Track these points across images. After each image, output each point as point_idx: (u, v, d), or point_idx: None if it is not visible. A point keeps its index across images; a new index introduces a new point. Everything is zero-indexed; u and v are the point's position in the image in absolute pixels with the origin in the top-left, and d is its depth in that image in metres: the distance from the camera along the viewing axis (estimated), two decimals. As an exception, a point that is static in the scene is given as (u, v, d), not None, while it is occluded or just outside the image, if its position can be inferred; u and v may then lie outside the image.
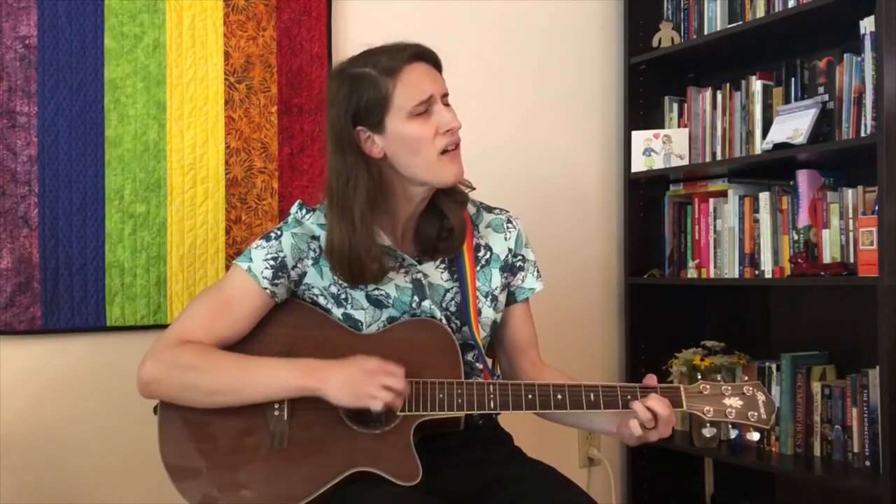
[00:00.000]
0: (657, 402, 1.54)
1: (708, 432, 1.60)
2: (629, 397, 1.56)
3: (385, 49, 1.60)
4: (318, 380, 1.52)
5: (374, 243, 1.59)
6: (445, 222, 1.67)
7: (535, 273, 1.81)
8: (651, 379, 1.59)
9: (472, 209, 1.77)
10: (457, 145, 1.62)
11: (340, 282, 1.64)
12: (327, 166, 1.64)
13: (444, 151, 1.59)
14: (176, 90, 2.20)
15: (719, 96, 2.79)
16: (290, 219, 1.68)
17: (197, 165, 2.22)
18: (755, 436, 1.58)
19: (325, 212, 1.65)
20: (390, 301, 1.66)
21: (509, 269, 1.77)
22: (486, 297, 1.73)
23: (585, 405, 1.57)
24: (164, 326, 2.02)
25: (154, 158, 2.17)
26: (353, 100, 1.57)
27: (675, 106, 2.95)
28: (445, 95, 1.62)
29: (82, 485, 2.11)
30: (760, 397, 1.59)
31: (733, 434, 1.60)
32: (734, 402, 1.59)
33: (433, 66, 1.63)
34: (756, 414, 1.57)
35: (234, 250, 2.25)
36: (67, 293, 2.08)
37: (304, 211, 1.68)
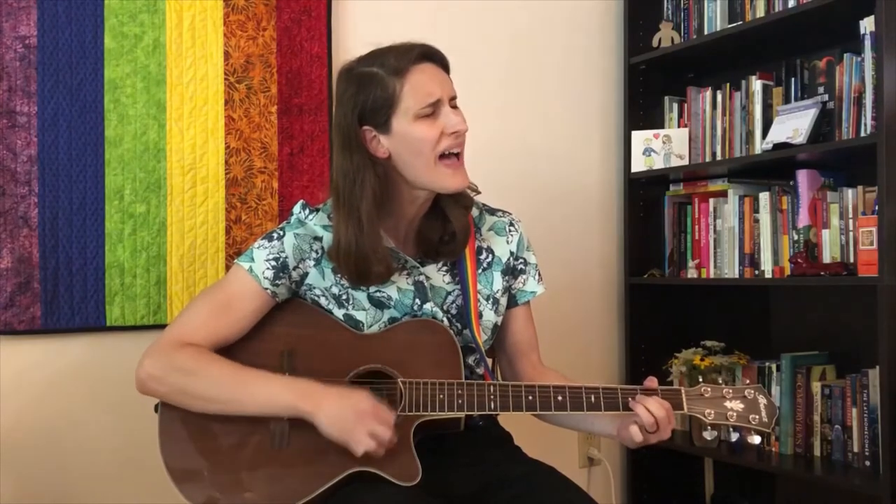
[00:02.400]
0: (657, 406, 1.54)
1: (709, 435, 1.59)
2: (630, 399, 1.56)
3: (393, 49, 1.59)
4: (312, 405, 1.51)
5: (381, 244, 1.59)
6: (448, 226, 1.66)
7: (537, 276, 1.80)
8: (652, 381, 1.59)
9: (474, 212, 1.77)
10: (459, 152, 1.61)
11: (342, 282, 1.64)
12: (333, 165, 1.63)
13: (444, 155, 1.58)
14: (176, 90, 2.20)
15: (719, 96, 2.79)
16: (292, 219, 1.68)
17: (197, 165, 2.22)
18: (756, 439, 1.58)
19: (328, 212, 1.65)
20: (392, 302, 1.66)
21: (511, 272, 1.77)
22: (487, 300, 1.72)
23: (586, 407, 1.56)
24: (163, 326, 2.02)
25: (154, 158, 2.17)
26: (359, 99, 1.57)
27: (675, 106, 2.95)
28: (453, 98, 1.62)
29: (82, 484, 2.11)
30: (762, 401, 1.58)
31: (734, 437, 1.60)
32: (735, 405, 1.58)
33: (441, 67, 1.62)
34: (757, 417, 1.57)
35: (234, 250, 2.25)
36: (67, 293, 2.08)
37: (306, 211, 1.68)
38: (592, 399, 1.57)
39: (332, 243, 1.61)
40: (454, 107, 1.61)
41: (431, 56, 1.60)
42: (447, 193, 1.64)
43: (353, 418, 1.49)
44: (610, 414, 1.59)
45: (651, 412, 1.53)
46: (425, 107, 1.56)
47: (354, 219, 1.57)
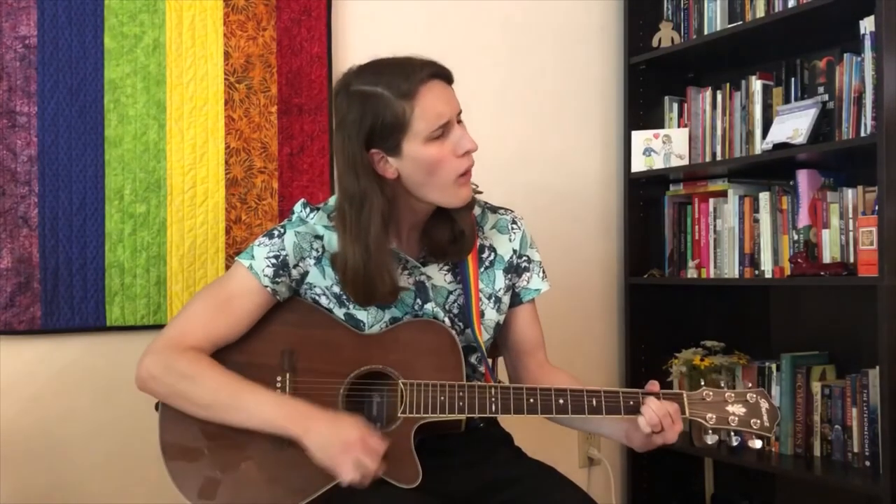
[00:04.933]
0: (658, 404, 1.53)
1: (710, 439, 1.59)
2: (632, 402, 1.56)
3: (397, 67, 1.55)
4: (302, 428, 1.50)
5: (390, 266, 1.57)
6: (456, 226, 1.65)
7: (541, 273, 1.80)
8: (654, 385, 1.59)
9: (476, 210, 1.75)
10: (470, 168, 1.60)
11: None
12: (339, 187, 1.60)
13: (460, 175, 1.57)
14: (176, 90, 2.20)
15: (719, 96, 2.79)
16: (293, 217, 1.67)
17: (197, 165, 2.22)
18: (757, 444, 1.57)
19: (329, 211, 1.65)
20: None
21: (514, 270, 1.77)
22: (489, 298, 1.72)
23: (587, 410, 1.56)
24: (164, 327, 2.01)
25: (154, 158, 2.17)
26: (366, 122, 1.53)
27: (675, 106, 2.95)
28: (459, 114, 1.60)
29: (82, 484, 2.11)
30: (764, 405, 1.58)
31: (735, 441, 1.59)
32: (737, 410, 1.57)
33: (447, 83, 1.59)
34: (759, 422, 1.56)
35: (234, 250, 2.24)
36: (67, 293, 2.08)
37: (307, 210, 1.67)
38: (594, 402, 1.56)
39: (339, 263, 1.59)
40: (460, 122, 1.60)
41: (437, 74, 1.57)
42: (451, 208, 1.63)
43: (339, 446, 1.48)
44: (618, 417, 1.59)
45: (654, 411, 1.52)
46: (436, 129, 1.54)
47: (362, 244, 1.55)
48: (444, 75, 1.59)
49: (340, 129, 1.57)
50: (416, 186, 1.58)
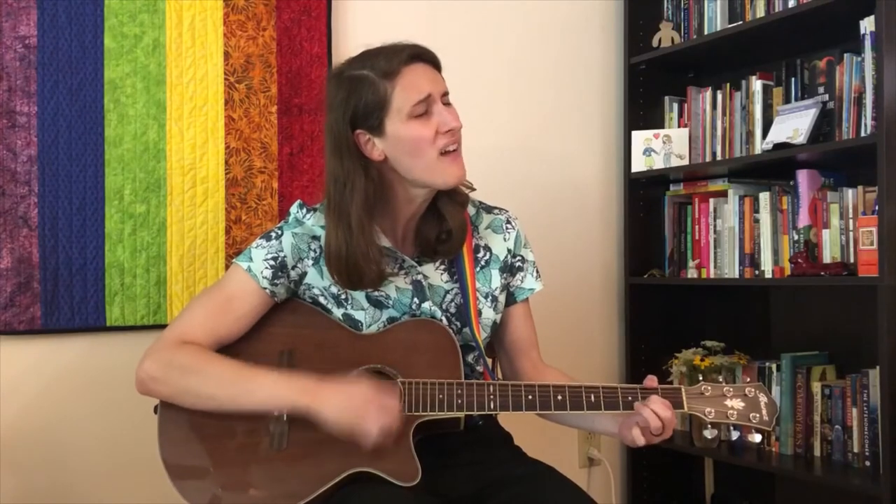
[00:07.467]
0: (662, 408, 1.53)
1: (709, 434, 1.59)
2: (630, 398, 1.56)
3: (383, 50, 1.58)
4: (315, 400, 1.50)
5: (373, 247, 1.58)
6: (445, 224, 1.66)
7: (535, 273, 1.80)
8: (652, 380, 1.59)
9: (471, 210, 1.77)
10: (457, 146, 1.60)
11: (340, 282, 1.64)
12: (325, 170, 1.63)
13: (445, 152, 1.58)
14: (176, 90, 2.20)
15: (719, 96, 2.79)
16: (290, 218, 1.68)
17: (197, 165, 2.22)
18: (757, 437, 1.58)
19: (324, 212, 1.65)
20: (390, 302, 1.66)
21: (508, 269, 1.77)
22: (486, 297, 1.72)
23: (586, 406, 1.56)
24: (163, 326, 2.01)
25: (154, 158, 2.17)
26: (351, 103, 1.56)
27: (675, 106, 2.95)
28: (445, 94, 1.61)
29: (82, 484, 2.11)
30: (762, 399, 1.58)
31: (734, 436, 1.59)
32: (736, 404, 1.58)
33: (431, 66, 1.61)
34: (758, 416, 1.57)
35: (234, 250, 2.25)
36: (67, 293, 2.08)
37: (304, 211, 1.68)
38: (592, 398, 1.56)
39: (325, 247, 1.60)
40: (447, 103, 1.60)
41: (421, 56, 1.60)
42: (447, 189, 1.63)
43: (354, 409, 1.48)
44: (611, 413, 1.59)
45: (658, 415, 1.52)
46: (417, 104, 1.55)
47: (345, 224, 1.56)
48: (429, 58, 1.61)
49: (328, 112, 1.60)
50: (404, 169, 1.59)
